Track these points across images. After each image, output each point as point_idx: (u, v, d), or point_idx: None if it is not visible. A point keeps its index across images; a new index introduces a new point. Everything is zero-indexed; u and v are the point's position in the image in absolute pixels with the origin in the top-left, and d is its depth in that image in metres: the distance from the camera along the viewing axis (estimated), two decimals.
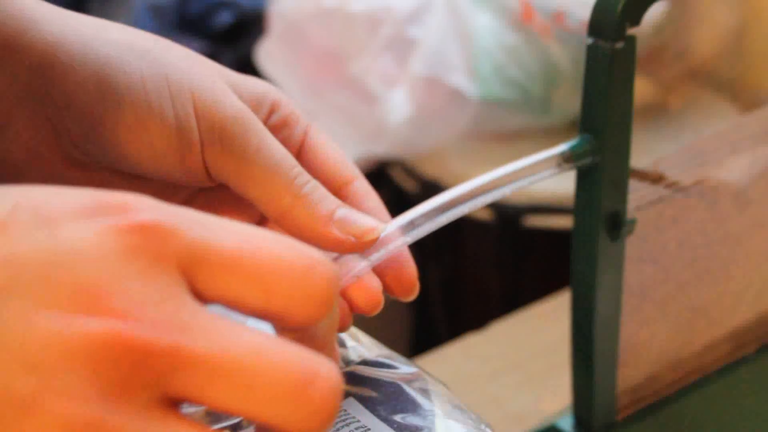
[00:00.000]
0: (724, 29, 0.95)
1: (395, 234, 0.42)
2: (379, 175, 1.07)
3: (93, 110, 0.40)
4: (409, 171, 1.03)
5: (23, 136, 0.41)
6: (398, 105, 0.97)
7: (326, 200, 0.42)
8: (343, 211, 0.41)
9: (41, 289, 0.27)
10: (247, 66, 1.06)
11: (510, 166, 0.45)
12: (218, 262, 0.29)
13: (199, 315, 0.28)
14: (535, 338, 0.77)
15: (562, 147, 0.46)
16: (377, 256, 0.42)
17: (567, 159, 0.46)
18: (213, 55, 1.11)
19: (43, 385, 0.27)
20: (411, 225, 0.43)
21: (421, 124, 0.98)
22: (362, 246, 0.41)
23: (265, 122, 0.43)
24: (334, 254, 0.42)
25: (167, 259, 0.28)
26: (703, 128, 0.97)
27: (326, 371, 0.29)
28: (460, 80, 0.96)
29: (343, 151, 0.46)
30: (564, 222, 0.97)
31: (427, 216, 0.43)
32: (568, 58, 0.96)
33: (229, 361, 0.28)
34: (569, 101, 0.99)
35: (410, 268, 0.44)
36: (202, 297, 0.30)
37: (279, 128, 0.44)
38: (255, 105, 0.43)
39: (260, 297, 0.29)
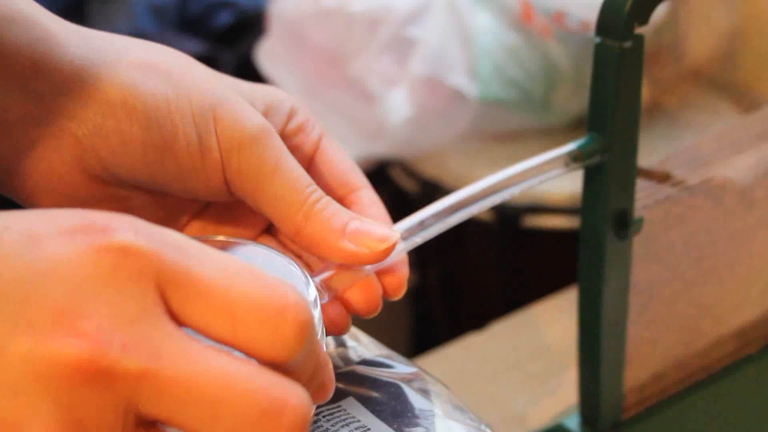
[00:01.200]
0: (723, 30, 0.95)
1: (405, 234, 0.42)
2: (379, 175, 1.07)
3: (122, 132, 0.41)
4: (409, 171, 1.03)
5: (49, 154, 0.41)
6: (398, 105, 0.97)
7: (339, 215, 0.42)
8: (356, 224, 0.42)
9: (19, 311, 0.28)
10: (247, 66, 1.06)
11: (518, 166, 0.45)
12: (192, 290, 0.30)
13: (172, 337, 0.29)
14: (535, 338, 0.77)
15: (570, 146, 0.46)
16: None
17: (575, 158, 0.46)
18: (213, 56, 1.11)
19: (22, 409, 0.28)
20: (421, 225, 0.43)
21: (421, 124, 0.98)
22: (378, 256, 0.41)
23: (284, 128, 0.44)
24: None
25: (145, 279, 0.29)
26: (702, 129, 0.97)
27: (295, 401, 0.29)
28: (460, 80, 0.96)
29: (353, 161, 0.46)
30: (564, 222, 0.97)
31: (437, 217, 0.43)
32: (568, 58, 0.96)
33: (196, 387, 0.28)
34: (569, 101, 0.99)
35: (403, 268, 0.44)
36: (175, 319, 0.30)
37: (295, 134, 0.45)
38: (273, 111, 0.44)
39: (227, 330, 0.30)
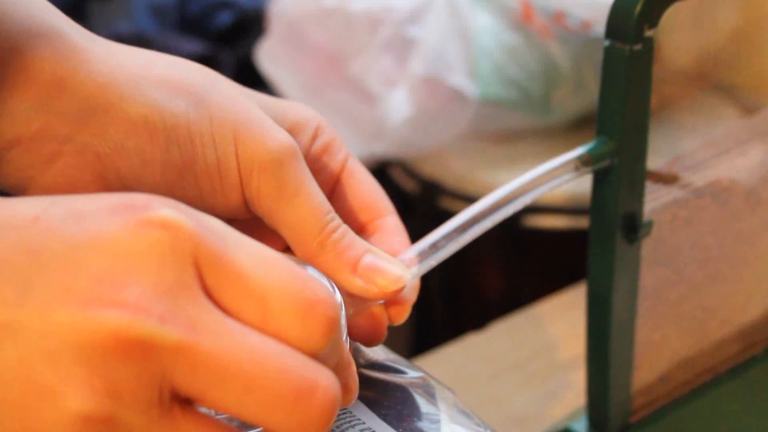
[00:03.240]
0: (726, 33, 0.95)
1: (418, 259, 0.42)
2: (379, 175, 1.06)
3: (143, 152, 0.41)
4: (409, 171, 1.03)
5: (69, 170, 0.42)
6: (398, 105, 0.97)
7: (353, 248, 0.42)
8: (370, 258, 0.42)
9: (61, 279, 0.29)
10: (247, 66, 1.06)
11: (529, 174, 0.45)
12: (226, 273, 0.30)
13: (208, 312, 0.30)
14: (535, 338, 0.77)
15: (580, 150, 0.46)
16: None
17: (585, 162, 0.46)
18: (213, 55, 1.11)
19: (61, 376, 0.28)
20: (434, 247, 0.43)
21: (421, 124, 0.98)
22: (387, 296, 0.41)
23: (309, 146, 0.44)
24: None
25: (184, 253, 0.30)
26: (703, 131, 0.97)
27: (326, 383, 0.30)
28: (460, 80, 0.96)
29: (379, 186, 0.46)
30: (564, 222, 0.97)
31: (449, 237, 0.43)
32: (568, 58, 0.96)
33: (230, 363, 0.29)
34: (569, 101, 0.99)
35: (412, 296, 0.44)
36: (210, 299, 0.30)
37: (320, 154, 0.45)
38: (299, 129, 0.44)
39: (258, 317, 0.30)
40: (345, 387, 0.35)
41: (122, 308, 0.28)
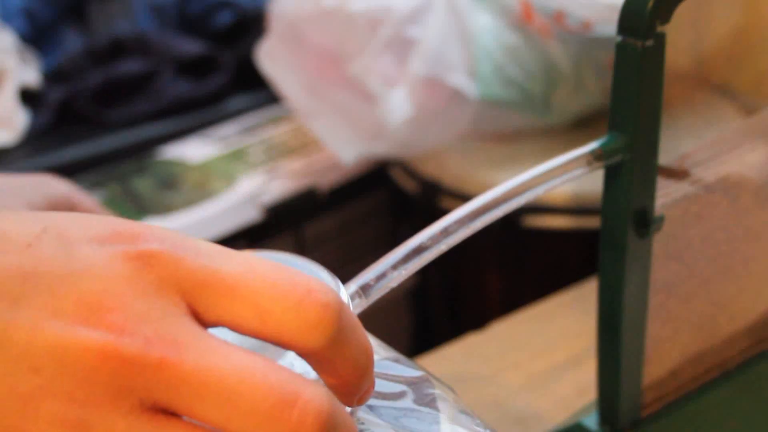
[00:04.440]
0: (726, 31, 0.96)
1: (429, 242, 0.42)
2: (379, 175, 1.07)
3: None
4: (409, 171, 1.03)
5: None
6: (398, 105, 0.97)
7: None
8: None
9: (50, 300, 0.30)
10: (247, 66, 1.06)
11: (541, 166, 0.45)
12: (218, 287, 0.31)
13: (193, 334, 0.31)
14: (535, 338, 0.77)
15: (593, 145, 0.47)
16: (412, 265, 0.42)
17: (597, 157, 0.46)
18: (213, 56, 1.10)
19: (43, 385, 0.29)
20: (445, 232, 0.43)
21: (421, 124, 0.97)
22: None
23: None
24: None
25: (169, 284, 0.31)
26: (703, 131, 0.97)
27: (309, 395, 0.30)
28: (460, 80, 0.96)
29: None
30: (564, 222, 0.97)
31: (460, 222, 0.43)
32: (568, 58, 0.96)
33: (214, 379, 0.30)
34: (569, 101, 0.99)
35: None
36: (202, 320, 0.32)
37: None
38: (56, 205, 0.52)
39: (255, 320, 0.31)
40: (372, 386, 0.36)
41: (109, 329, 0.30)
